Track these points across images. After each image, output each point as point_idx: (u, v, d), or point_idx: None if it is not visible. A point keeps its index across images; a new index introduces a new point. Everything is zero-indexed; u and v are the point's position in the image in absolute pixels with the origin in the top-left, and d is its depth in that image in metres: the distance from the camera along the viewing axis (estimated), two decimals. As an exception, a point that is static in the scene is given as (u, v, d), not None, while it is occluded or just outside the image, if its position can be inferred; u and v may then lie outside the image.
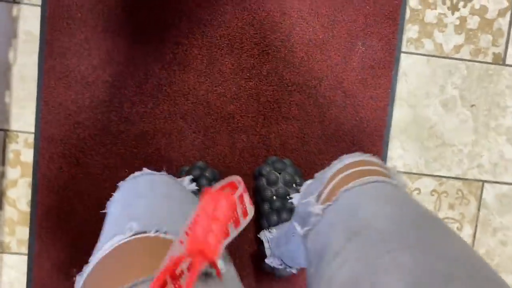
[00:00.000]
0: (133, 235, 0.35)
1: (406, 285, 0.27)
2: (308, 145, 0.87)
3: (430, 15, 0.86)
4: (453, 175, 0.89)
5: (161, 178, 0.47)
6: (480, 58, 0.87)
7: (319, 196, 0.43)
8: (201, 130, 0.85)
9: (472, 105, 0.88)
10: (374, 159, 0.44)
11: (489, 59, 0.87)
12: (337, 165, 0.44)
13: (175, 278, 0.25)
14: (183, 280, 0.24)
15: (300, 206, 0.47)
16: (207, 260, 0.25)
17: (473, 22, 0.86)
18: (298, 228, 0.45)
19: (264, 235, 0.80)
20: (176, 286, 0.24)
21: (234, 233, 0.28)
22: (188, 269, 0.25)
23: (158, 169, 0.83)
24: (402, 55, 0.86)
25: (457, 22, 0.86)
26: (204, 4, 0.82)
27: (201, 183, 0.78)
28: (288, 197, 0.81)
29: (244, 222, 0.29)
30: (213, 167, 0.85)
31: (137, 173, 0.48)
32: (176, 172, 0.84)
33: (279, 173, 0.82)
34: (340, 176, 0.41)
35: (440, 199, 0.89)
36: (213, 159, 0.85)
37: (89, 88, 0.81)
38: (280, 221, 0.80)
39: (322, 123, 0.87)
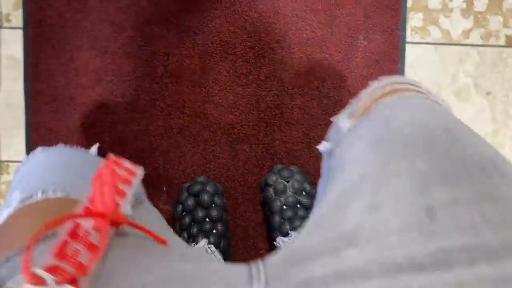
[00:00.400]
0: (22, 203, 0.33)
1: (412, 186, 0.26)
2: (315, 150, 0.81)
3: (434, 1, 0.80)
4: (475, 170, 0.82)
5: (57, 151, 0.41)
6: (492, 42, 0.81)
7: (352, 113, 0.39)
8: (200, 144, 0.80)
9: (488, 93, 0.82)
10: (417, 82, 0.40)
11: (501, 42, 0.81)
12: (375, 83, 0.40)
13: (76, 237, 0.27)
14: (93, 238, 0.27)
15: (331, 129, 0.43)
16: (112, 222, 0.29)
17: (480, 4, 0.80)
18: (324, 145, 0.42)
19: (282, 241, 0.74)
20: (83, 243, 0.27)
21: (131, 190, 0.33)
22: (95, 228, 0.28)
23: (158, 189, 0.79)
24: (408, 45, 0.80)
25: (464, 6, 0.80)
26: (192, 11, 0.78)
27: (203, 199, 0.73)
28: (298, 205, 0.76)
29: (135, 179, 0.35)
30: (216, 181, 0.80)
31: (28, 155, 0.43)
32: (177, 191, 0.79)
33: (287, 182, 0.76)
34: (378, 92, 0.38)
35: (462, 196, 0.82)
36: (216, 173, 0.80)
37: (79, 110, 0.77)
38: (294, 230, 0.74)
39: (328, 126, 0.81)
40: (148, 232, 0.32)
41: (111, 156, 0.35)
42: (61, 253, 0.26)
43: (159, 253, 0.31)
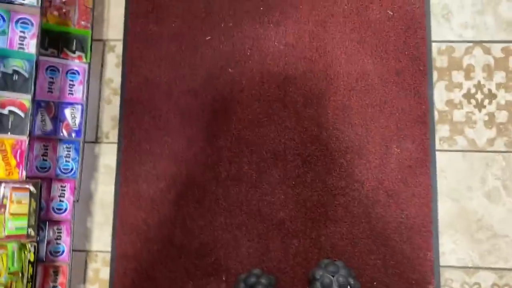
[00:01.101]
0: None
1: None
2: (358, 245, 0.90)
3: (459, 115, 0.92)
4: (513, 267, 0.87)
5: None
6: (516, 149, 0.90)
7: None
8: (255, 238, 0.92)
9: (518, 194, 0.89)
10: None
11: (525, 148, 0.90)
12: None
13: None
14: None
15: None
16: None
17: (501, 116, 0.92)
18: None
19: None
20: None
21: None
22: None
23: (218, 278, 0.90)
24: (437, 153, 0.91)
25: (486, 118, 0.92)
26: (250, 126, 0.95)
27: (259, 291, 0.83)
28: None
29: None
30: (269, 273, 0.90)
31: None
32: (235, 280, 0.90)
33: (333, 276, 0.85)
34: None
35: (503, 293, 0.86)
36: (268, 265, 0.90)
37: (157, 208, 0.93)
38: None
39: (369, 223, 0.91)
40: None
41: None
42: None
43: None
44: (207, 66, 0.98)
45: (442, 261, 0.89)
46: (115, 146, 0.96)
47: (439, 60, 0.94)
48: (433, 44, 0.95)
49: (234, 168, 0.94)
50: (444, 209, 0.90)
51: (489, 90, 0.92)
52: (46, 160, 0.85)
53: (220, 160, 0.94)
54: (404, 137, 0.92)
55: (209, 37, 0.98)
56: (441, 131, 0.92)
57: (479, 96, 0.92)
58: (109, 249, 0.93)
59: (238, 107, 0.96)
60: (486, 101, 0.92)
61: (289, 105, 0.95)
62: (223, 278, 0.90)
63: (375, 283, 0.89)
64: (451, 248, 0.89)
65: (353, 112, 0.94)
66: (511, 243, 0.88)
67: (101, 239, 0.93)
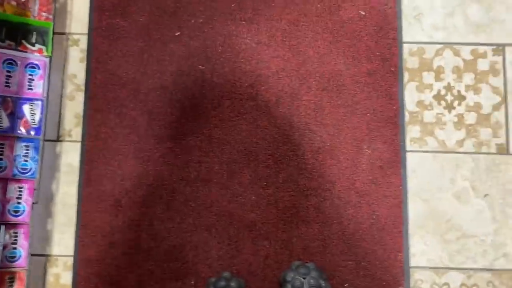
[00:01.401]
0: None
1: None
2: (330, 247, 0.89)
3: (429, 116, 0.93)
4: (481, 267, 0.88)
5: None
6: (484, 150, 0.91)
7: None
8: (225, 240, 0.89)
9: (486, 195, 0.90)
10: None
11: (493, 150, 0.91)
12: None
13: None
14: None
15: None
16: None
17: (470, 117, 0.93)
18: None
19: None
20: None
21: None
22: None
23: (186, 282, 0.87)
24: (408, 153, 0.91)
25: (455, 119, 0.93)
26: (221, 125, 0.93)
27: (228, 295, 0.81)
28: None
29: None
30: (239, 276, 0.87)
31: None
32: (204, 284, 0.87)
33: (304, 278, 0.83)
34: None
35: (471, 293, 0.87)
36: (239, 268, 0.88)
37: (122, 210, 0.89)
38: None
39: (341, 224, 0.90)
40: None
41: None
42: None
43: None
44: (177, 63, 0.94)
45: (412, 262, 0.89)
46: (78, 144, 0.91)
47: (410, 61, 0.94)
48: (404, 45, 0.95)
49: (204, 168, 0.91)
50: (415, 209, 0.90)
51: (458, 92, 0.93)
52: (1, 159, 0.80)
53: (190, 160, 0.91)
54: (375, 137, 0.92)
55: (178, 33, 0.95)
56: (412, 132, 0.92)
57: (448, 97, 0.93)
58: (71, 253, 0.88)
59: (208, 105, 0.93)
60: (455, 103, 0.93)
61: (261, 104, 0.93)
62: (192, 282, 0.87)
63: (346, 284, 0.88)
64: (422, 249, 0.89)
65: (325, 112, 0.93)
66: (480, 243, 0.89)
67: (63, 242, 0.89)
